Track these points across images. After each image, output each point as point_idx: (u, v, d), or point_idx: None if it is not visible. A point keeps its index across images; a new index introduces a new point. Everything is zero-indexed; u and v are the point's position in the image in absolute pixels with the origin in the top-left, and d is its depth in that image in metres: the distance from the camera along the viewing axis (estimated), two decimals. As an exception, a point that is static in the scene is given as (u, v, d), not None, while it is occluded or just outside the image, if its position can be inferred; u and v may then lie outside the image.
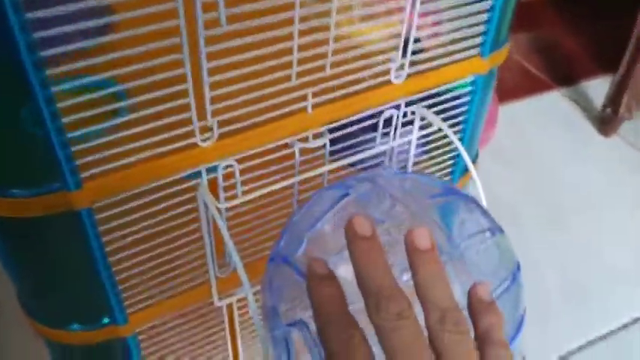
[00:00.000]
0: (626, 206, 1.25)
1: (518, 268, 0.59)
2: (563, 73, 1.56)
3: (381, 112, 0.67)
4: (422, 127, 0.72)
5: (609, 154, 1.35)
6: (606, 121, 1.38)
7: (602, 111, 1.39)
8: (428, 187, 0.61)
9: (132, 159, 0.54)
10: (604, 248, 1.16)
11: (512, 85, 1.56)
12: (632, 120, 1.42)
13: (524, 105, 1.47)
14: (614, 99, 1.36)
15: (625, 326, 1.05)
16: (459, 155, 0.80)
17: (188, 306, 0.71)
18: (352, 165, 0.70)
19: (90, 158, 0.52)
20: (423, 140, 0.77)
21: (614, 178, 1.30)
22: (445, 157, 0.78)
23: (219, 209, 0.60)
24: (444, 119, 0.74)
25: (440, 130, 0.73)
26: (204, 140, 0.57)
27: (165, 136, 0.55)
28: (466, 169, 0.84)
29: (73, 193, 0.53)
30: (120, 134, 0.53)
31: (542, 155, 1.34)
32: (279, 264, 0.57)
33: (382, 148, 0.68)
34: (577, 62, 1.60)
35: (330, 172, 0.69)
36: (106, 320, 0.67)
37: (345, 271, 0.54)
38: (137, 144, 0.54)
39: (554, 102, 1.50)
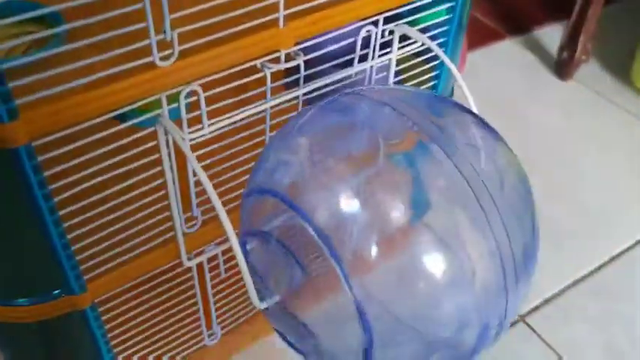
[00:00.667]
0: (590, 147, 1.22)
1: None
2: (515, 22, 1.52)
3: (359, 30, 0.60)
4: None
5: (569, 98, 1.32)
6: (564, 65, 1.35)
7: (559, 55, 1.36)
8: (420, 95, 0.54)
9: (82, 82, 0.45)
10: (575, 188, 1.13)
11: (466, 37, 1.51)
12: (588, 63, 1.39)
13: (478, 56, 1.43)
14: (570, 42, 1.34)
15: (602, 266, 1.02)
16: (438, 76, 0.73)
17: (152, 269, 0.62)
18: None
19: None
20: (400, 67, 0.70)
21: (576, 121, 1.27)
22: (424, 77, 0.71)
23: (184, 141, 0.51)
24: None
25: (419, 54, 0.66)
26: (163, 59, 0.48)
27: (120, 51, 0.45)
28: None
29: (7, 126, 0.43)
30: (58, 49, 0.43)
31: (504, 102, 1.30)
32: (259, 197, 0.49)
33: (361, 67, 0.60)
34: (528, 11, 1.57)
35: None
36: (58, 291, 0.57)
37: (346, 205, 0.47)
38: (82, 62, 0.44)
39: (510, 51, 1.46)
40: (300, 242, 0.49)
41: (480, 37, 1.48)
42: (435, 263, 0.46)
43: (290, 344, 0.51)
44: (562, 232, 1.06)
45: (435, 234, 0.47)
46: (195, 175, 0.58)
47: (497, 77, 1.38)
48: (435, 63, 0.71)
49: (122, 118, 0.51)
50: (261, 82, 0.56)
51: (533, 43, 1.50)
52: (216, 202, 0.48)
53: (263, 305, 0.50)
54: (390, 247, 0.46)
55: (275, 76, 0.57)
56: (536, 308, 0.96)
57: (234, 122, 0.56)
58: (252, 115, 0.57)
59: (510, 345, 0.90)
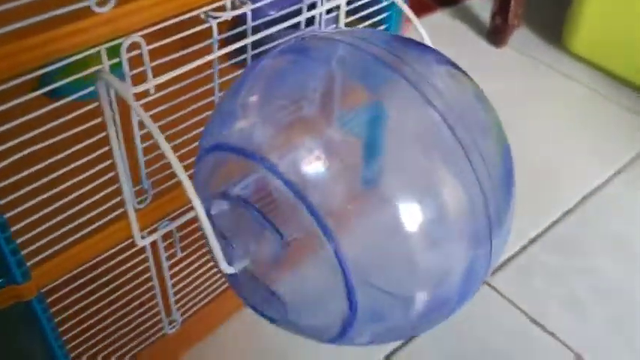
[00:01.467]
0: (529, 109, 1.23)
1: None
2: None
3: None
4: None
5: (505, 64, 1.33)
6: (497, 32, 1.36)
7: (492, 22, 1.37)
8: (379, 33, 0.51)
9: (8, 29, 0.39)
10: (520, 150, 1.13)
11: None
12: (520, 28, 1.41)
13: (410, 30, 1.42)
14: (502, 9, 1.34)
15: (556, 222, 1.02)
16: (386, 19, 0.70)
17: (102, 251, 0.57)
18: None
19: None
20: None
21: (514, 85, 1.28)
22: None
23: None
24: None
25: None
26: (100, 4, 0.43)
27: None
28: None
29: None
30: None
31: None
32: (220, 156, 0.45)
33: (311, 14, 0.57)
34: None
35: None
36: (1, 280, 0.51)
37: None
38: (8, 5, 0.39)
39: (441, 23, 1.46)
40: (270, 205, 0.45)
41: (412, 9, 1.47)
42: (408, 215, 0.42)
43: (258, 312, 0.48)
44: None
45: (405, 181, 0.43)
46: (142, 141, 0.54)
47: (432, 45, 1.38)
48: (383, 5, 0.68)
49: (42, 84, 0.46)
50: (207, 35, 0.52)
51: (465, 13, 1.50)
52: (175, 163, 0.43)
53: (230, 270, 0.46)
54: (361, 205, 0.43)
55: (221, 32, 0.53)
56: (498, 269, 0.95)
57: (181, 78, 0.52)
58: (199, 72, 0.53)
59: (476, 309, 0.89)
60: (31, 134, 0.46)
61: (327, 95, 0.46)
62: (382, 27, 0.71)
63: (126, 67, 0.47)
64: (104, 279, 0.59)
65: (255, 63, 0.49)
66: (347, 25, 0.65)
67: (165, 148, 0.43)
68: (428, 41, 0.56)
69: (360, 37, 0.47)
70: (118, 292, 0.61)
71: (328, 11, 0.61)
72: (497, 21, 1.38)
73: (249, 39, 0.54)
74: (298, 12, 0.59)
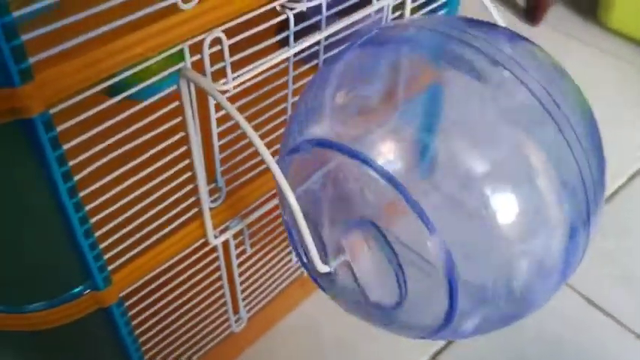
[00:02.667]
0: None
1: None
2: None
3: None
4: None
5: (541, 41, 1.30)
6: (533, 10, 1.33)
7: (528, 0, 1.34)
8: (455, 19, 0.50)
9: (96, 32, 0.38)
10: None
11: None
12: (555, 6, 1.38)
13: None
14: (537, -14, 1.32)
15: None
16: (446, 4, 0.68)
17: (178, 251, 0.56)
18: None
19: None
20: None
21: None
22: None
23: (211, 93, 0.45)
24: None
25: None
26: (186, 1, 0.42)
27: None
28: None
29: (19, 91, 0.36)
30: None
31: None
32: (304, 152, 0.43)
33: (380, 4, 0.55)
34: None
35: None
36: (80, 288, 0.50)
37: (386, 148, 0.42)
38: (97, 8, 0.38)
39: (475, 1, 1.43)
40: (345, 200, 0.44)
41: None
42: (507, 214, 0.41)
43: (371, 304, 0.46)
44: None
45: (505, 176, 0.41)
46: (219, 138, 0.52)
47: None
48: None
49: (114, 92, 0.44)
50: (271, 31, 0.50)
51: (498, -8, 1.47)
52: (265, 153, 0.42)
53: (326, 268, 0.44)
54: (456, 200, 0.41)
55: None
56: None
57: (259, 74, 0.50)
58: (273, 66, 0.51)
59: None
60: (110, 141, 0.44)
61: (398, 84, 0.44)
62: (442, 12, 0.69)
63: (207, 63, 0.46)
64: (177, 281, 0.58)
65: (336, 57, 0.47)
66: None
67: (255, 139, 0.42)
68: (500, 21, 0.54)
69: (433, 22, 0.46)
70: (190, 293, 0.60)
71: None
72: (532, -1, 1.35)
73: (324, 33, 0.52)
74: (361, 4, 0.58)
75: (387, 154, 0.41)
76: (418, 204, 0.39)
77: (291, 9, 0.49)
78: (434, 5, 0.67)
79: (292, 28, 0.50)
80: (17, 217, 0.44)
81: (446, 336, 0.44)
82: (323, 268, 0.44)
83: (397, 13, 0.61)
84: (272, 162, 0.42)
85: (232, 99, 0.51)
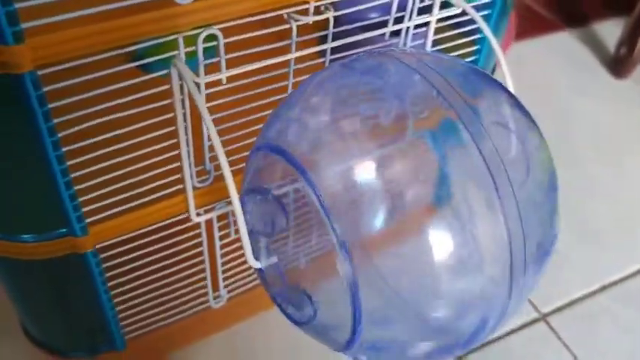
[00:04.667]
0: (638, 147, 1.15)
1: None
2: (574, 14, 1.45)
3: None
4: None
5: (623, 96, 1.25)
6: (620, 63, 1.28)
7: (617, 51, 1.29)
8: (455, 64, 0.50)
9: (93, 10, 0.42)
10: (617, 187, 1.07)
11: (520, 26, 1.45)
12: (645, 63, 1.33)
13: (531, 45, 1.37)
14: (630, 39, 1.26)
15: (635, 274, 0.97)
16: (479, 51, 0.69)
17: (158, 220, 0.60)
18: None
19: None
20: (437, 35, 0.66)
21: (630, 121, 1.21)
22: (463, 51, 0.67)
23: (198, 85, 0.49)
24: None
25: (460, 26, 0.62)
26: (181, -4, 0.46)
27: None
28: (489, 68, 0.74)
29: (11, 49, 0.42)
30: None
31: (549, 92, 1.24)
32: (267, 153, 0.46)
33: (396, 27, 0.57)
34: (588, 3, 1.50)
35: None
36: (63, 231, 0.56)
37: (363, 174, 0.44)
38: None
39: (564, 43, 1.39)
40: (311, 209, 0.46)
41: (534, 26, 1.42)
42: (444, 244, 0.42)
43: (285, 313, 0.49)
44: (600, 231, 1.01)
45: (449, 216, 0.43)
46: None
47: (547, 67, 1.32)
48: (476, 37, 0.66)
49: (136, 58, 0.49)
50: (286, 35, 0.53)
51: (590, 38, 1.43)
52: (220, 154, 0.45)
53: (257, 264, 0.47)
54: (401, 226, 0.43)
55: (303, 33, 0.54)
56: (560, 309, 0.91)
57: (255, 73, 0.53)
58: (274, 68, 0.54)
59: (528, 343, 0.86)
60: (113, 103, 0.49)
61: (390, 123, 0.46)
62: (475, 46, 0.69)
63: (200, 57, 0.50)
64: (157, 246, 0.62)
65: (326, 68, 0.50)
66: (438, 41, 0.64)
67: (214, 137, 0.45)
68: (510, 84, 0.54)
69: (435, 66, 0.47)
70: (170, 261, 0.65)
71: (418, 26, 0.61)
72: (622, 51, 1.30)
73: (328, 45, 0.55)
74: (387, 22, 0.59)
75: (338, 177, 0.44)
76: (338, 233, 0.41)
77: (296, 20, 0.52)
78: (464, 51, 0.68)
79: (294, 37, 0.53)
80: (8, 161, 0.50)
81: (351, 350, 0.46)
82: (254, 263, 0.47)
83: (418, 42, 0.62)
84: (223, 158, 0.45)
85: (229, 92, 0.55)
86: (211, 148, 0.58)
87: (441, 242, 0.42)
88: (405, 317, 0.45)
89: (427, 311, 0.45)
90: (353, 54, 0.55)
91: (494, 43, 0.56)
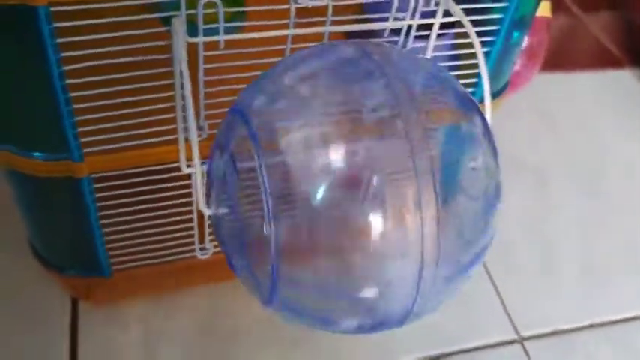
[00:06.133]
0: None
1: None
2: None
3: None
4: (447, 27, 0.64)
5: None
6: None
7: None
8: (431, 73, 0.53)
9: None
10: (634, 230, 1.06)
11: (582, 57, 1.44)
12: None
13: (589, 77, 1.36)
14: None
15: (633, 319, 0.96)
16: (479, 80, 0.71)
17: (151, 163, 0.66)
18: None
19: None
20: (447, 52, 0.68)
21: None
22: (466, 72, 0.69)
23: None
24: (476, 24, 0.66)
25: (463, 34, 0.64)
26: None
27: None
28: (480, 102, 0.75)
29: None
30: None
31: (595, 130, 1.23)
32: (235, 116, 0.51)
33: (396, 24, 0.60)
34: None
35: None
36: (63, 155, 0.62)
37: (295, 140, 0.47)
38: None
39: (624, 80, 1.37)
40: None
41: (596, 60, 1.41)
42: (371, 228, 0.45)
43: (229, 262, 0.53)
44: (608, 269, 1.01)
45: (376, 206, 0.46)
46: (206, 86, 0.61)
47: (599, 103, 1.31)
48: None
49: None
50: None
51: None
52: (189, 109, 0.50)
53: (207, 211, 0.52)
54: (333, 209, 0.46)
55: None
56: (541, 336, 0.92)
57: (255, 44, 0.58)
58: (275, 43, 0.59)
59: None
60: (125, 47, 0.55)
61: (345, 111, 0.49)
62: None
63: (200, 21, 0.55)
64: (149, 187, 0.68)
65: (296, 53, 0.53)
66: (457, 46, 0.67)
67: (187, 94, 0.50)
68: (488, 114, 0.56)
69: (402, 68, 0.50)
70: (159, 204, 0.71)
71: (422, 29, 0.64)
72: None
73: (327, 28, 0.59)
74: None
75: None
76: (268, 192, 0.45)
77: (295, 2, 0.56)
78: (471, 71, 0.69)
79: (293, 17, 0.57)
80: (24, 86, 0.56)
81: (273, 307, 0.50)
82: (204, 209, 0.52)
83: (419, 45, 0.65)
84: (191, 115, 0.50)
85: (227, 58, 0.60)
86: (207, 107, 0.63)
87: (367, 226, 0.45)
88: (327, 293, 0.49)
89: (349, 290, 0.49)
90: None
91: (482, 68, 0.58)
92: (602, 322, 0.95)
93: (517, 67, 0.99)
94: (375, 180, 0.45)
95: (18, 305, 0.84)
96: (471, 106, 0.51)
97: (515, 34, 0.71)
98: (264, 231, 0.46)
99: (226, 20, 0.68)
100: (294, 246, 0.47)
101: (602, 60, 1.42)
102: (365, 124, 0.47)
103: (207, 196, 0.53)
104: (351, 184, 0.45)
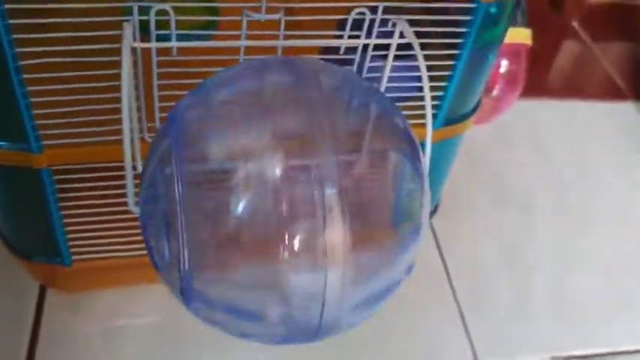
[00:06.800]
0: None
1: None
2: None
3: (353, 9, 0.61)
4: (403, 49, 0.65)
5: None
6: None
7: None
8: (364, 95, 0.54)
9: None
10: (614, 268, 1.05)
11: (585, 85, 1.43)
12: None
13: (589, 106, 1.35)
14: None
15: (612, 355, 0.94)
16: (442, 102, 0.72)
17: (105, 159, 0.68)
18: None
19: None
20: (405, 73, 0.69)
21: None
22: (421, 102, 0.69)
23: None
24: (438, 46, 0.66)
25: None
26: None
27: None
28: (447, 123, 0.76)
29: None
30: None
31: (587, 161, 1.22)
32: (167, 122, 0.52)
33: (351, 42, 0.61)
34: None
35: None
36: (23, 145, 0.65)
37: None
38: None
39: (625, 112, 1.35)
40: None
41: (601, 91, 1.39)
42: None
43: (152, 260, 0.55)
44: (577, 304, 1.00)
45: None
46: (159, 88, 0.63)
47: (598, 133, 1.30)
48: (443, 84, 0.70)
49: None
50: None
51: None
52: (125, 111, 0.52)
53: (135, 210, 0.54)
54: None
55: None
56: None
57: (207, 52, 0.60)
58: (227, 53, 0.60)
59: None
60: (79, 47, 0.57)
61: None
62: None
63: (152, 28, 0.57)
64: (109, 183, 0.70)
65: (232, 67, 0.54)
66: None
67: (125, 97, 0.52)
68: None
69: (332, 84, 0.51)
70: (118, 199, 0.72)
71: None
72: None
73: (280, 42, 0.60)
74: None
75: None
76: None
77: (248, 16, 0.58)
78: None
79: (244, 30, 0.59)
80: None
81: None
82: (132, 208, 0.54)
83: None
84: (126, 116, 0.52)
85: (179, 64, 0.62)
86: (162, 110, 0.65)
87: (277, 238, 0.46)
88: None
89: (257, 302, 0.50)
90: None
91: (426, 92, 0.59)
92: (564, 357, 0.94)
93: (497, 93, 1.00)
94: (286, 196, 0.47)
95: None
96: (401, 135, 0.52)
97: (485, 58, 0.71)
98: (177, 237, 0.47)
99: (200, 28, 0.71)
100: (205, 258, 0.48)
101: (606, 90, 1.41)
102: (281, 145, 0.48)
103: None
104: (262, 198, 0.47)
